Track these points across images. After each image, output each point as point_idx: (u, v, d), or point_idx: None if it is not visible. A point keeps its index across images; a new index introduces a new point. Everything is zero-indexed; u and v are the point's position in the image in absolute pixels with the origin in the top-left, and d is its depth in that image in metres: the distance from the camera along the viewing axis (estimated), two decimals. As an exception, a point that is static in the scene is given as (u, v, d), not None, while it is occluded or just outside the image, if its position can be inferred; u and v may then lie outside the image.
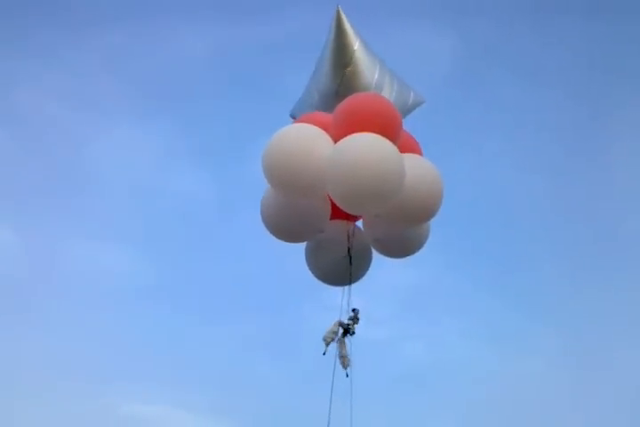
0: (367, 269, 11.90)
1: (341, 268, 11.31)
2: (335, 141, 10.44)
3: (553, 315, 25.38)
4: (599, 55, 29.69)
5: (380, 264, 12.17)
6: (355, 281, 11.55)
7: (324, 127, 10.71)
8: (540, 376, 24.01)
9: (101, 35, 30.01)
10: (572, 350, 24.78)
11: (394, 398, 22.11)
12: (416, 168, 10.47)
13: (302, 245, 11.89)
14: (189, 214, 28.77)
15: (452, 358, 25.20)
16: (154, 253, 27.91)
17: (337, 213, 11.05)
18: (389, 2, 28.84)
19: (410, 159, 10.50)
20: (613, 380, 23.12)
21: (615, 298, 24.95)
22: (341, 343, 11.25)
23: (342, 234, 11.36)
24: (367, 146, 10.06)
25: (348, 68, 11.63)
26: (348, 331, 11.28)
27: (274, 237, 11.37)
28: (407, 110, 12.57)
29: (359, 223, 11.79)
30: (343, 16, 11.60)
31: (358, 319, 11.35)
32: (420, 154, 11.27)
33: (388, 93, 11.93)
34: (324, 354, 11.23)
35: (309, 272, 11.92)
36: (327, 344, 11.26)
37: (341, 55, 11.64)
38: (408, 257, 11.78)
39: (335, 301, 11.43)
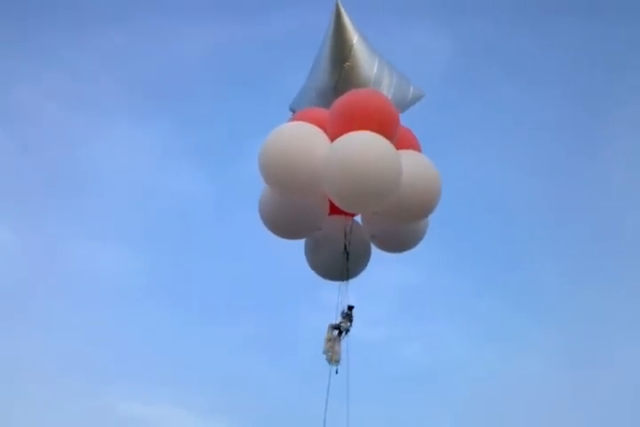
0: (366, 265, 11.85)
1: (339, 262, 11.22)
2: (332, 139, 10.41)
3: (553, 314, 25.33)
4: (598, 54, 29.74)
5: (379, 263, 12.12)
6: (353, 277, 11.46)
7: (321, 124, 10.67)
8: (539, 376, 23.91)
9: (101, 35, 30.10)
10: (571, 349, 24.70)
11: (391, 398, 22.05)
12: (413, 165, 10.44)
13: (300, 244, 11.83)
14: (187, 214, 28.73)
15: (450, 357, 25.14)
16: (152, 252, 27.87)
17: (335, 208, 11.01)
18: (389, 1, 28.92)
19: (407, 156, 10.48)
20: (613, 379, 23.04)
21: (615, 297, 24.91)
22: (335, 340, 10.84)
23: (340, 230, 11.29)
24: (363, 145, 10.05)
25: (347, 63, 11.58)
26: (341, 331, 10.93)
27: (272, 235, 11.33)
28: (407, 104, 12.52)
29: (358, 218, 11.70)
30: (342, 10, 11.55)
31: (351, 317, 11.01)
32: (419, 150, 11.22)
33: (387, 87, 11.88)
34: (336, 373, 10.60)
35: (307, 267, 11.80)
36: (331, 360, 10.69)
37: (340, 49, 11.59)
38: (406, 252, 11.74)
39: (332, 301, 11.28)
